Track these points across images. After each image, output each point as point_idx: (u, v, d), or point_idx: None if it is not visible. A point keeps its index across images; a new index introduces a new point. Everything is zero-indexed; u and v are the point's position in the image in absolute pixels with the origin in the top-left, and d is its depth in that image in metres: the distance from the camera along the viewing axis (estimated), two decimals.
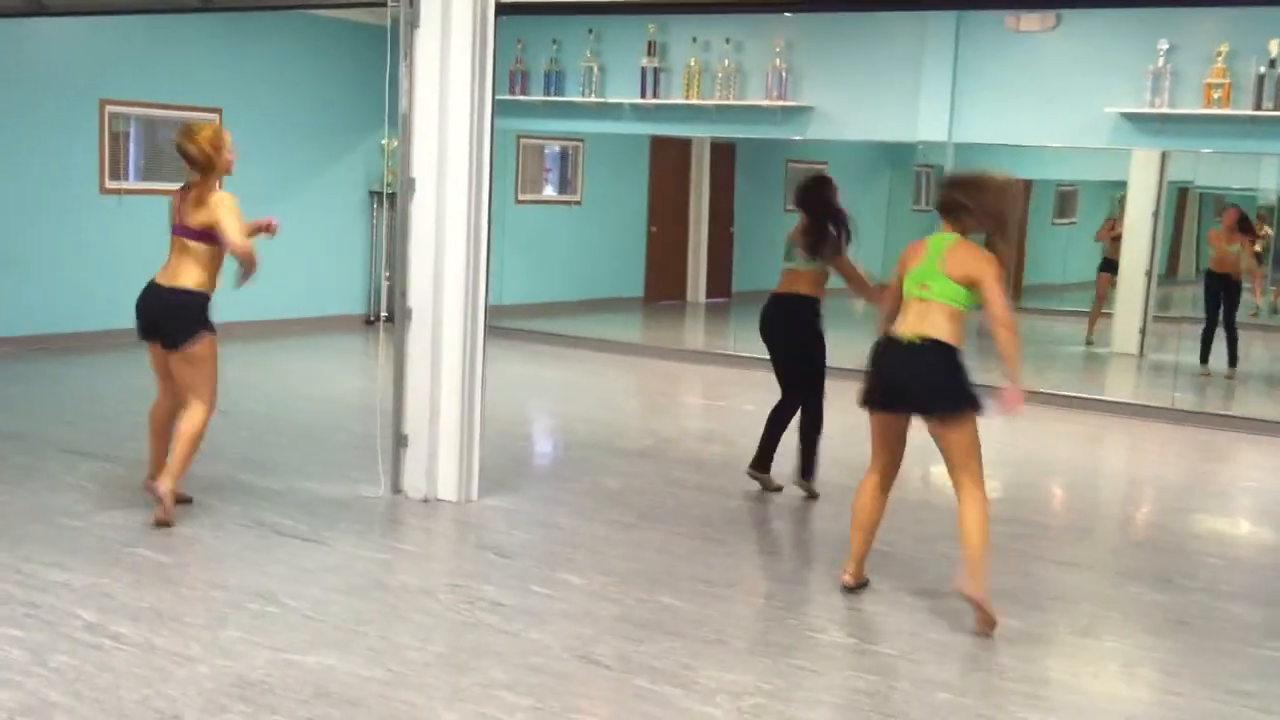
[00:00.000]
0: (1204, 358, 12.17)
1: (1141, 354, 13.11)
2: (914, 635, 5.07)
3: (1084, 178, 15.48)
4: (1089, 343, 13.95)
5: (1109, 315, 13.70)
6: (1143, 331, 13.13)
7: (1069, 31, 10.61)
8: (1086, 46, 10.56)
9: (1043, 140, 11.10)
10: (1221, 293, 12.24)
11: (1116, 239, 13.63)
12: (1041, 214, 16.22)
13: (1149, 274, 13.02)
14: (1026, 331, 14.99)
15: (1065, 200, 16.40)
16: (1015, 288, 16.40)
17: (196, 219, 6.13)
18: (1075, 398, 10.70)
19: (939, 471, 8.50)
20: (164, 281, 6.24)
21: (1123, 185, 13.35)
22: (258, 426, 8.44)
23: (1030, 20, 10.64)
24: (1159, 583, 6.00)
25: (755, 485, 7.31)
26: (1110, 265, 13.71)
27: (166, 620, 4.85)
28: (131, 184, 11.62)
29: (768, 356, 7.23)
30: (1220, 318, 12.17)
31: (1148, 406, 10.53)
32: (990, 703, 4.45)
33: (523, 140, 14.23)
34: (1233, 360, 12.11)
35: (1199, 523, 7.50)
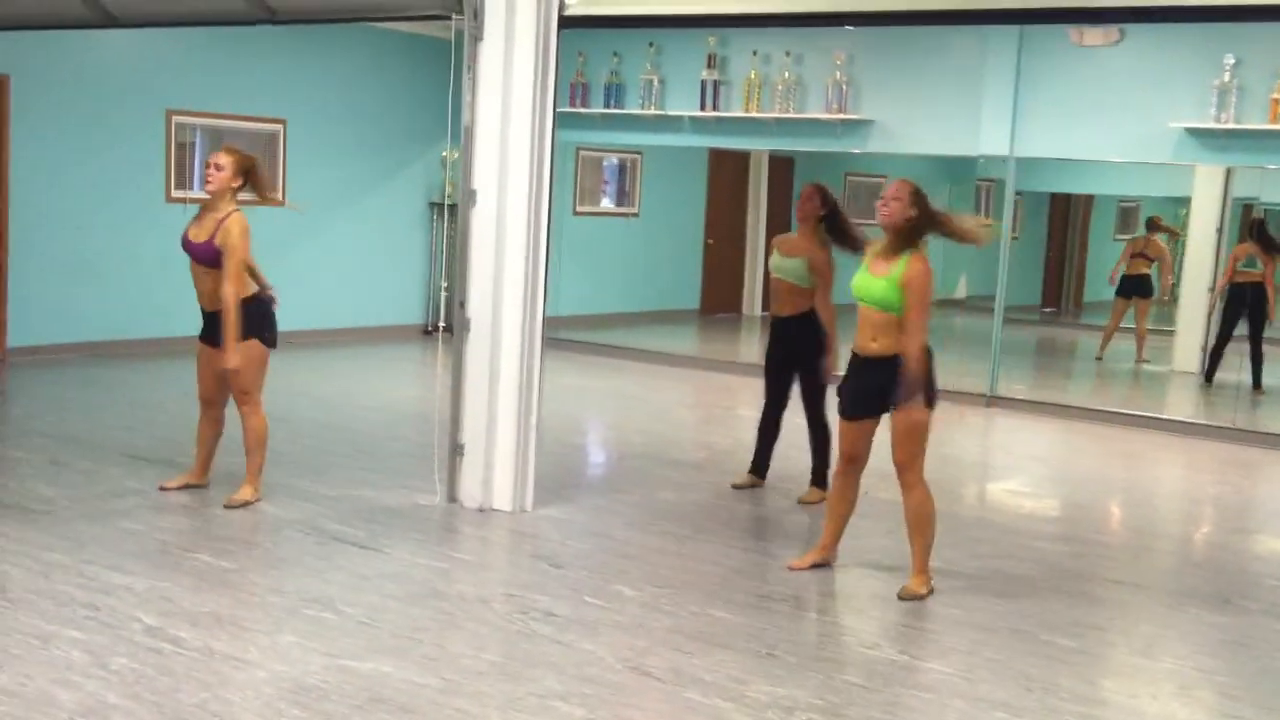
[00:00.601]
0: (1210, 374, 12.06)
1: (1203, 372, 12.95)
2: (969, 654, 5.04)
3: (1147, 193, 15.30)
4: (1098, 359, 13.83)
5: (1158, 332, 13.55)
6: (1204, 349, 12.96)
7: (1133, 46, 10.51)
8: (1151, 61, 10.45)
9: (1105, 155, 11.00)
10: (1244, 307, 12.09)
11: (1137, 257, 13.48)
12: (1103, 230, 16.07)
13: (1212, 290, 12.84)
14: (1087, 349, 14.91)
15: (1127, 216, 16.22)
16: (1076, 304, 16.32)
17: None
18: (1135, 416, 10.58)
19: (995, 489, 8.46)
20: None
21: (1186, 201, 13.20)
22: (317, 434, 8.52)
23: (1094, 34, 10.55)
24: (1218, 603, 5.92)
25: (809, 498, 7.31)
26: (1131, 286, 13.54)
27: (225, 625, 4.91)
28: (196, 193, 11.76)
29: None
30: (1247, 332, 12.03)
31: (1209, 426, 10.39)
32: None
33: (582, 152, 14.28)
34: (1256, 379, 11.94)
35: (1259, 543, 7.40)
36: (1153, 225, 13.61)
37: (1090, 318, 15.30)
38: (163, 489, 6.83)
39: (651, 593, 5.57)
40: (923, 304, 5.52)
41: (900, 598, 5.66)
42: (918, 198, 5.63)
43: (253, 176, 6.58)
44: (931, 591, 5.71)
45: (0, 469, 7.35)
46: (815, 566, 6.05)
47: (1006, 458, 9.70)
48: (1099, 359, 13.82)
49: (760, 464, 7.65)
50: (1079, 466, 9.13)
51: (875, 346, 5.65)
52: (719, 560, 6.13)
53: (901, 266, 5.53)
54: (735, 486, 7.61)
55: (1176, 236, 13.70)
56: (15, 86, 10.52)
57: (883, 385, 5.63)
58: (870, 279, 5.63)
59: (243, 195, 6.61)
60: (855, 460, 5.95)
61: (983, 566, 6.26)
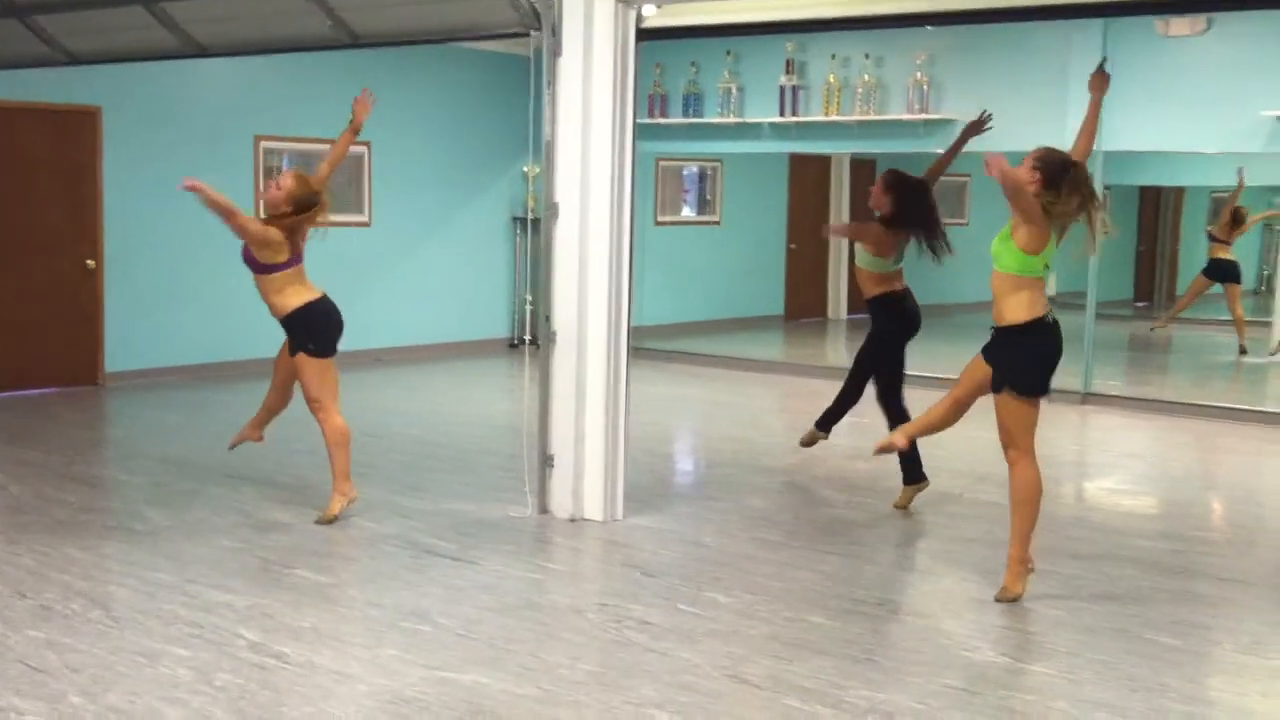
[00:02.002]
0: None
1: None
2: (1072, 655, 4.96)
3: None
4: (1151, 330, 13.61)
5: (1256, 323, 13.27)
6: None
7: (1221, 35, 10.32)
8: (1240, 50, 10.25)
9: (1196, 146, 10.82)
10: None
11: (1216, 240, 13.20)
12: (1196, 222, 15.78)
13: None
14: (1182, 343, 14.63)
15: (1220, 207, 15.92)
16: (1169, 298, 16.02)
17: None
18: (1234, 410, 10.37)
19: (1093, 487, 8.33)
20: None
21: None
22: (409, 449, 8.62)
23: (1180, 25, 10.37)
24: None
25: (900, 501, 7.25)
26: (1217, 269, 13.27)
27: (326, 639, 4.98)
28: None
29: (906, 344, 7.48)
30: None
31: None
32: None
33: (661, 162, 14.32)
34: None
35: None
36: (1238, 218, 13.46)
37: (1187, 311, 15.02)
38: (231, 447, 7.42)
39: (746, 600, 5.56)
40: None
41: (997, 599, 5.58)
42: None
43: (305, 213, 6.83)
44: (1021, 591, 5.57)
45: (105, 492, 7.53)
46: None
47: (1103, 455, 9.54)
48: (1151, 330, 13.59)
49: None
50: (1178, 462, 8.96)
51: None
52: (812, 566, 6.10)
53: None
54: (898, 506, 7.26)
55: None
56: (107, 117, 10.77)
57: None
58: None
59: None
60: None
61: (1083, 566, 6.16)
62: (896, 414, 7.31)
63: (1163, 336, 15.17)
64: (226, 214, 6.52)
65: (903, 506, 7.21)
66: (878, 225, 7.26)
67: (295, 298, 6.75)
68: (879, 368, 7.41)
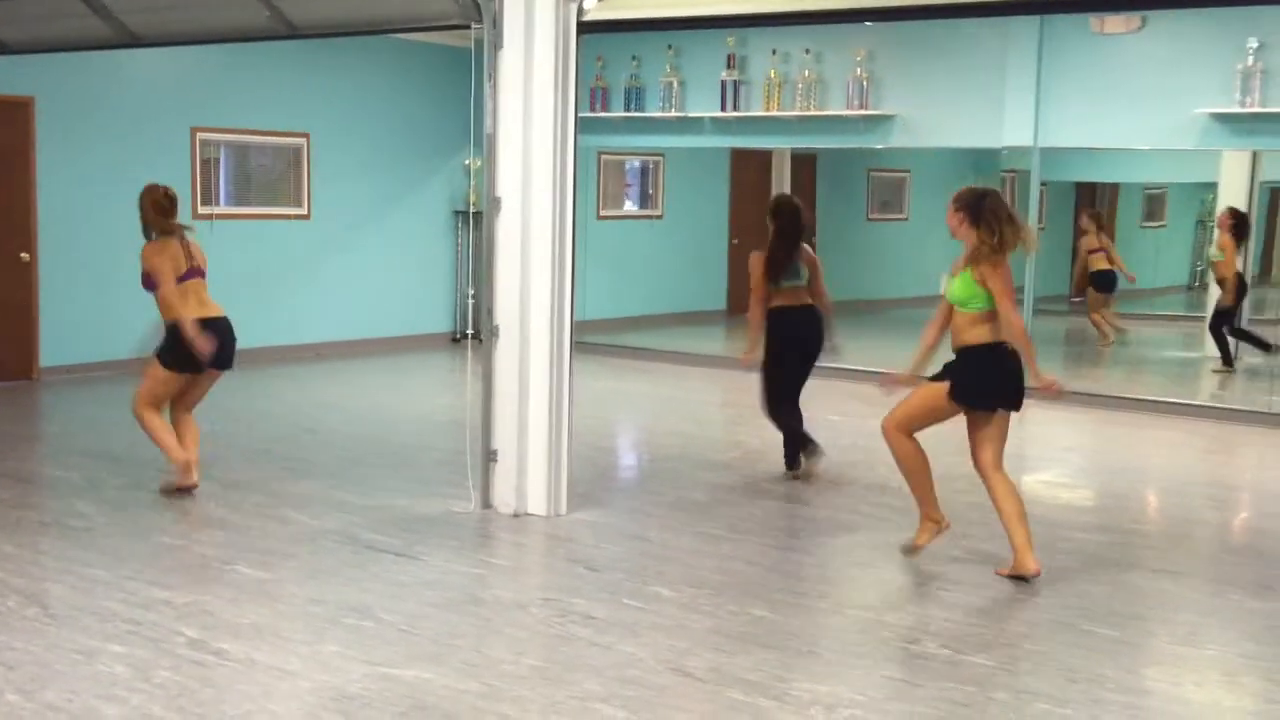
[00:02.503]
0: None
1: (1235, 358, 12.85)
2: (1011, 646, 5.02)
3: (1173, 180, 15.22)
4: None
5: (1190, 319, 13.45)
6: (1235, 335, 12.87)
7: (1155, 32, 10.46)
8: (1173, 47, 10.39)
9: (1130, 143, 10.94)
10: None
11: (1093, 252, 13.33)
12: (1129, 218, 15.98)
13: (1239, 276, 12.75)
14: (1118, 337, 14.82)
15: (1154, 203, 16.13)
16: None
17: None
18: (1167, 403, 10.52)
19: (1031, 480, 8.42)
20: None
21: (1213, 187, 13.10)
22: (350, 445, 8.56)
23: (1115, 22, 10.50)
24: (1260, 590, 5.87)
25: (838, 495, 7.30)
26: (1095, 280, 13.38)
27: (266, 636, 4.93)
28: (222, 208, 11.85)
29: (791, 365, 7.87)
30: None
31: (1242, 411, 10.32)
32: (1090, 713, 4.39)
33: (603, 156, 14.29)
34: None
35: None
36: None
37: (1120, 306, 15.19)
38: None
39: (689, 593, 5.57)
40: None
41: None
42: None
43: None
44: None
45: (39, 488, 7.42)
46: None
47: (1041, 449, 9.63)
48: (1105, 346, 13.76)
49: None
50: (1114, 456, 9.08)
51: None
52: (755, 559, 6.12)
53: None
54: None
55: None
56: (41, 108, 10.61)
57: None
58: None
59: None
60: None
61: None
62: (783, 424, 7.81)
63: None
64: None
65: (811, 474, 7.73)
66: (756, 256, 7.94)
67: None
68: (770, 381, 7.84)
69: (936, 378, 5.97)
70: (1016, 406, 5.99)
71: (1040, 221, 11.56)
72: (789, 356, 7.77)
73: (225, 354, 7.10)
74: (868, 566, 6.31)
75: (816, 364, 7.92)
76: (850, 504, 7.27)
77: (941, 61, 11.44)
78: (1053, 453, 9.42)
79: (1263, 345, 11.91)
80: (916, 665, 4.81)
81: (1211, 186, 13.14)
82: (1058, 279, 15.35)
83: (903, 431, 6.01)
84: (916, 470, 6.06)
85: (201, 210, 11.62)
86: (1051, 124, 10.91)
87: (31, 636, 4.85)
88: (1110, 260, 13.47)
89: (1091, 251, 13.40)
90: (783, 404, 7.81)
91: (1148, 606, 5.64)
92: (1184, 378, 12.92)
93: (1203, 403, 10.78)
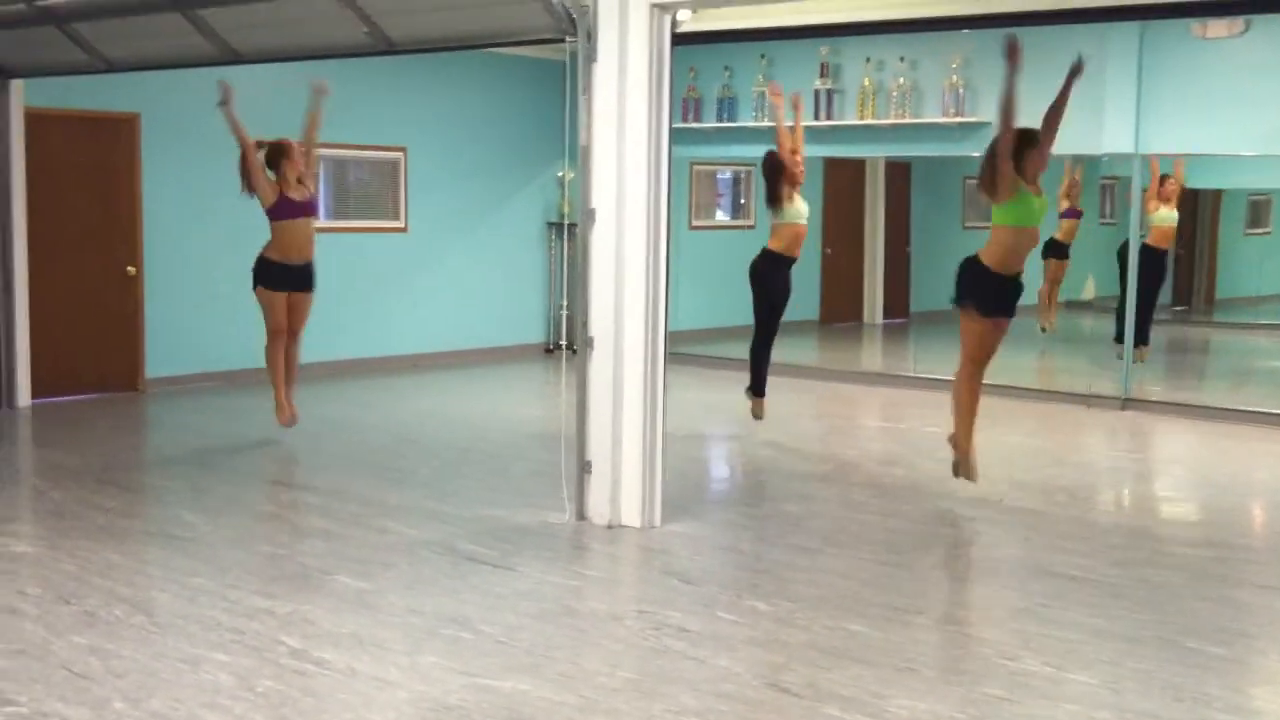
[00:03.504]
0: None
1: None
2: (1114, 664, 4.92)
3: (1277, 186, 14.87)
4: (1042, 330, 13.30)
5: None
6: None
7: (1259, 36, 10.22)
8: (1278, 51, 10.15)
9: (1234, 149, 10.71)
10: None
11: (1064, 215, 12.86)
12: (1234, 224, 15.66)
13: None
14: (1221, 347, 14.49)
15: (1258, 210, 15.79)
16: (1208, 301, 15.89)
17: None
18: (1274, 415, 10.25)
19: (1133, 493, 8.27)
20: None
21: None
22: (447, 455, 8.64)
23: (1217, 26, 10.28)
24: None
25: (934, 506, 7.23)
26: (1054, 247, 12.96)
27: (367, 646, 4.99)
28: (322, 222, 12.01)
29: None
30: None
31: None
32: None
33: (696, 166, 14.30)
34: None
35: None
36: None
37: (1223, 314, 14.90)
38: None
39: (785, 607, 5.54)
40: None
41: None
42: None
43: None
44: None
45: (145, 498, 7.59)
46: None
47: (1143, 461, 9.47)
48: (1043, 330, 13.30)
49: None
50: (1220, 469, 8.88)
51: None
52: (850, 573, 6.07)
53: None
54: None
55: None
56: (145, 124, 10.86)
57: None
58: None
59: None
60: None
61: (1124, 574, 6.11)
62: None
63: (1203, 340, 15.06)
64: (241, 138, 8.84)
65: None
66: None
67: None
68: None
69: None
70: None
71: (1141, 229, 11.34)
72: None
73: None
74: (965, 581, 6.24)
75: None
76: (947, 518, 7.19)
77: (1039, 67, 11.23)
78: (1156, 465, 9.25)
79: None
80: (1018, 683, 4.73)
81: None
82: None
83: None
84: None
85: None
86: (1152, 130, 10.70)
87: (138, 645, 4.96)
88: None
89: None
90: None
91: (1255, 623, 5.51)
92: None
93: None
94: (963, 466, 7.39)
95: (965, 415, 7.31)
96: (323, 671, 4.72)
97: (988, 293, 7.13)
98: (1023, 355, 12.27)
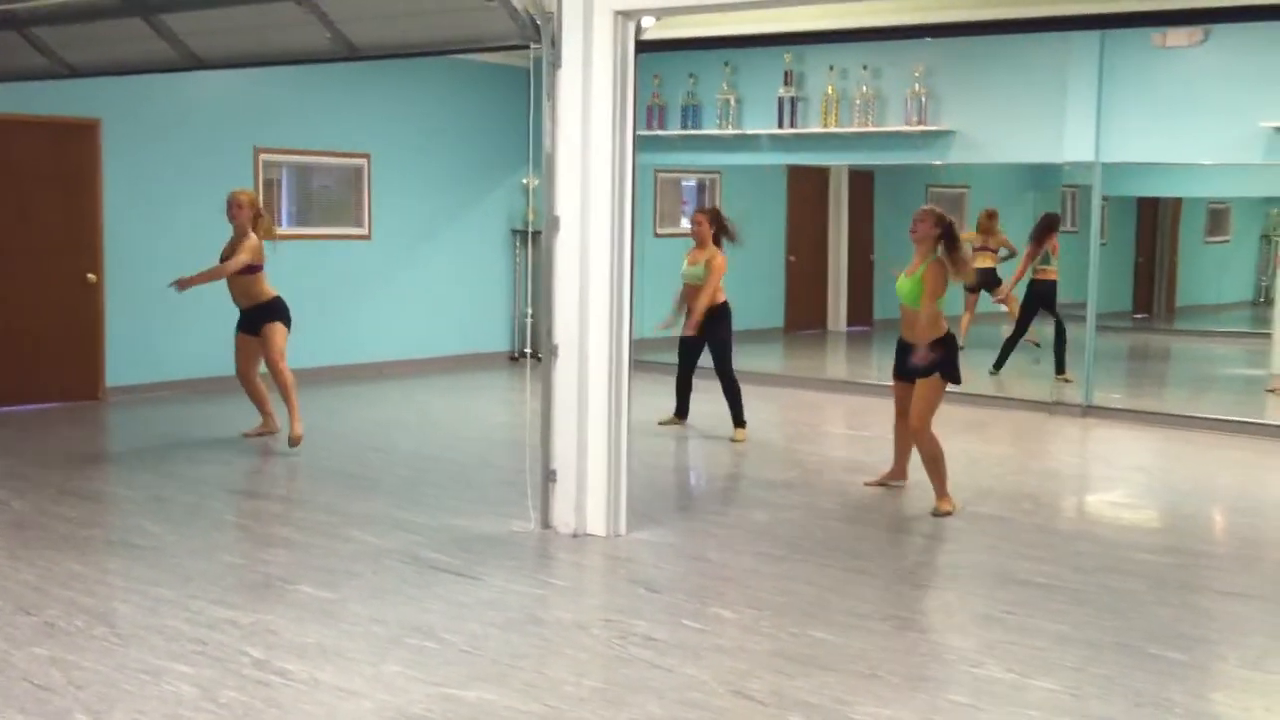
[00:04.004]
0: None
1: None
2: (1076, 670, 4.95)
3: (1236, 194, 15.02)
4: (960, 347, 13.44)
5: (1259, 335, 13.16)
6: None
7: (1219, 45, 10.34)
8: (1238, 60, 10.26)
9: (1194, 157, 10.81)
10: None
11: (982, 250, 12.96)
12: (1193, 233, 15.80)
13: None
14: (1182, 355, 14.62)
15: (1217, 218, 15.94)
16: (1168, 309, 16.03)
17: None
18: (1235, 422, 10.36)
19: (1095, 500, 8.33)
20: None
21: (1278, 201, 12.93)
22: (411, 463, 8.61)
23: (1177, 36, 10.38)
24: None
25: (899, 513, 7.26)
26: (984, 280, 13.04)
27: (330, 655, 4.96)
28: (285, 229, 11.97)
29: None
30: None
31: None
32: None
33: (660, 174, 14.31)
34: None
35: None
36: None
37: (1184, 322, 15.02)
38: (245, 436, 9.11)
39: (750, 615, 5.55)
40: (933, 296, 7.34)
41: (933, 515, 7.28)
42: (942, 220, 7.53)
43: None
44: (954, 510, 7.32)
45: (106, 507, 7.52)
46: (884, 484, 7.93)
47: (1106, 468, 9.54)
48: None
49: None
50: (1180, 475, 8.95)
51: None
52: (815, 580, 6.09)
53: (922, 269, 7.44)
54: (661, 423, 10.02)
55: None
56: (106, 130, 10.77)
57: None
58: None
59: None
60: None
61: (1086, 580, 6.15)
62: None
63: (1164, 348, 15.19)
64: (220, 274, 8.88)
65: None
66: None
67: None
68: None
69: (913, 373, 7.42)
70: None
71: (1102, 237, 11.43)
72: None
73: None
74: (929, 588, 6.26)
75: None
76: (911, 525, 7.22)
77: (1001, 76, 11.37)
78: (1118, 472, 9.31)
79: None
80: (982, 689, 4.75)
81: (1277, 201, 12.96)
82: (1120, 296, 15.21)
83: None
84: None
85: (274, 228, 11.72)
86: (1113, 139, 10.80)
87: (100, 656, 4.91)
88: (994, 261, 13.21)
89: (976, 249, 12.99)
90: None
91: (1216, 629, 5.55)
92: (1251, 395, 12.72)
93: (1271, 421, 10.60)
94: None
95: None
96: (286, 682, 4.68)
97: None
98: (985, 364, 12.34)
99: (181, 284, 8.89)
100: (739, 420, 9.71)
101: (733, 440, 9.54)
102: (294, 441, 8.73)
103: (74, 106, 10.52)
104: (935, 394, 7.38)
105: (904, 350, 7.56)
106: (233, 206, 8.90)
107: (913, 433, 7.44)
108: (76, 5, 8.05)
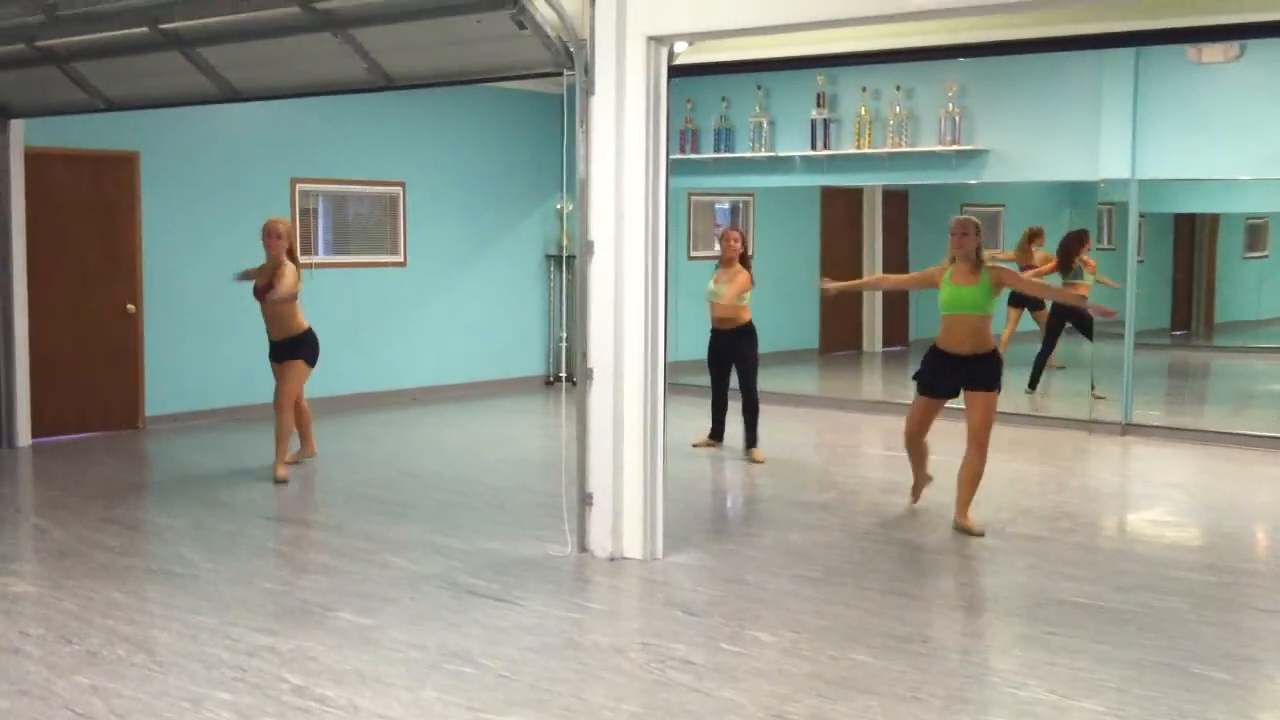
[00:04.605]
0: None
1: None
2: (1119, 691, 4.91)
3: (1275, 210, 14.89)
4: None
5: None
6: None
7: (1254, 60, 10.27)
8: (1274, 75, 10.20)
9: (1231, 173, 10.74)
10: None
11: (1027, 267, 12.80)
12: (1231, 248, 15.68)
13: None
14: (1221, 371, 14.49)
15: (1256, 233, 15.80)
16: (1207, 325, 15.90)
17: None
18: (1276, 438, 10.24)
19: (1136, 519, 8.25)
20: None
21: None
22: (447, 488, 8.63)
23: (1213, 51, 10.33)
24: None
25: (936, 535, 7.22)
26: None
27: (369, 682, 4.97)
28: (321, 257, 12.07)
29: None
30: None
31: None
32: None
33: (693, 197, 14.33)
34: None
35: None
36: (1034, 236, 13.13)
37: (1222, 339, 14.88)
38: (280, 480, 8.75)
39: (789, 638, 5.52)
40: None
41: (962, 530, 7.32)
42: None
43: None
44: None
45: (146, 535, 7.57)
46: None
47: (1146, 486, 9.46)
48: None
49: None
50: (1221, 493, 8.86)
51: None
52: (854, 602, 6.06)
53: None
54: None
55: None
56: (145, 162, 10.89)
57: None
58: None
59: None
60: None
61: (1128, 600, 6.09)
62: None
63: (1203, 365, 15.05)
64: (290, 292, 8.72)
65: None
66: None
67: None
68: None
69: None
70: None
71: (1139, 254, 11.37)
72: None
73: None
74: (970, 609, 6.22)
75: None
76: (950, 545, 7.18)
77: (1035, 95, 11.33)
78: (1158, 490, 9.23)
79: None
80: (1024, 711, 4.71)
81: None
82: (1158, 313, 15.09)
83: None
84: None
85: (301, 259, 11.82)
86: (1149, 156, 10.74)
87: (140, 684, 4.94)
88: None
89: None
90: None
91: (1260, 648, 5.49)
92: None
93: None
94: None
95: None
96: (325, 708, 4.70)
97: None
98: (1020, 383, 12.26)
99: (246, 276, 9.07)
100: (753, 440, 9.78)
101: (753, 460, 9.60)
102: (279, 480, 8.70)
103: (113, 139, 10.65)
104: (996, 405, 7.42)
105: (951, 365, 7.46)
106: (271, 235, 8.80)
107: (978, 445, 7.32)
108: (115, 40, 8.15)
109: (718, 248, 10.05)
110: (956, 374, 7.46)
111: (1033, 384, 12.26)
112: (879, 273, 15.74)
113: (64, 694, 4.84)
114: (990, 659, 5.39)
